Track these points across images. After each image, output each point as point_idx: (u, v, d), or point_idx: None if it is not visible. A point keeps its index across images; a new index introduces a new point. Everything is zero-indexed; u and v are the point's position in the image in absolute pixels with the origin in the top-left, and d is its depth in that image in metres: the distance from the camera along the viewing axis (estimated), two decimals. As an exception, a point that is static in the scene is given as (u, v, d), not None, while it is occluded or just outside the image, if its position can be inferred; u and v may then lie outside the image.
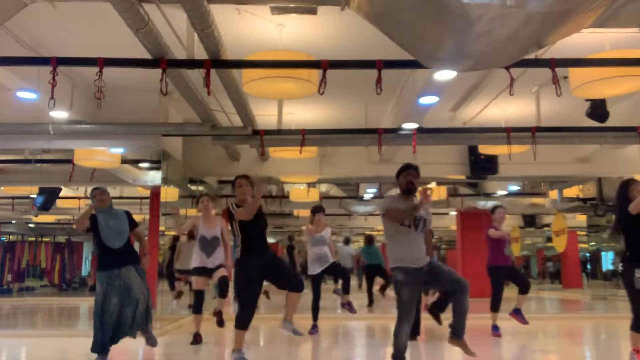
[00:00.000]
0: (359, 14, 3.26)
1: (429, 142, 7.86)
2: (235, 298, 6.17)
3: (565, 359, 6.05)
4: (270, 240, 13.42)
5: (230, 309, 8.56)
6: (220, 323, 6.58)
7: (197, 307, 6.28)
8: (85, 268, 22.34)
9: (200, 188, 11.31)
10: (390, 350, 4.06)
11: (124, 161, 9.20)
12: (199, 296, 6.26)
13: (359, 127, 8.02)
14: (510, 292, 6.95)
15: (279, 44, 5.63)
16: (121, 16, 4.15)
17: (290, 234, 16.83)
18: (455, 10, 2.33)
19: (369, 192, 14.03)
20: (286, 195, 13.56)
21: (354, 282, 12.44)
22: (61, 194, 12.19)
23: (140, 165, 9.84)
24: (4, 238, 19.68)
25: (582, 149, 9.51)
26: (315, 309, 7.12)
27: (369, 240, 12.02)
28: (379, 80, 4.64)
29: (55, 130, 6.80)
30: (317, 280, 7.09)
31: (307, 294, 12.41)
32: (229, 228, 4.94)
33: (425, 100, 6.75)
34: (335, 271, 7.30)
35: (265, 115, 8.03)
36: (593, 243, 20.72)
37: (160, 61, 4.84)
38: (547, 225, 18.12)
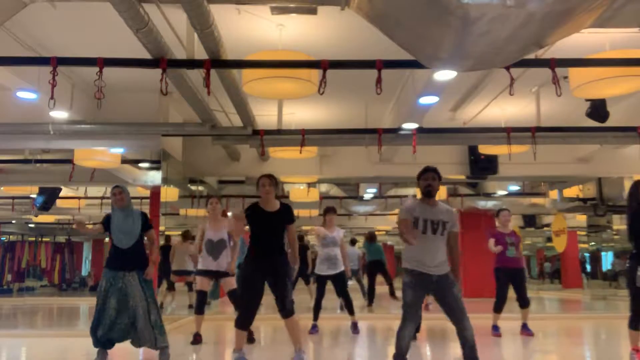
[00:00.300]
0: (359, 14, 3.26)
1: (429, 142, 7.86)
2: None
3: (565, 359, 6.04)
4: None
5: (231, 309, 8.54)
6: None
7: (198, 308, 6.25)
8: (85, 268, 22.36)
9: (200, 188, 11.31)
10: (391, 350, 4.06)
11: (124, 161, 9.20)
12: (201, 296, 6.22)
13: (359, 127, 8.02)
14: (512, 292, 6.95)
15: (279, 44, 5.63)
16: (121, 16, 4.15)
17: (301, 233, 16.77)
18: (456, 10, 2.32)
19: (369, 192, 14.03)
20: (286, 195, 13.56)
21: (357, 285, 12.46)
22: (61, 194, 12.20)
23: (140, 165, 9.84)
24: (4, 238, 19.68)
25: (582, 149, 9.51)
26: (317, 308, 7.12)
27: (371, 237, 12.06)
28: (379, 80, 4.64)
29: (55, 130, 6.80)
30: (322, 281, 7.10)
31: (305, 293, 12.38)
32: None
33: (425, 100, 6.74)
34: (339, 285, 7.19)
35: (265, 115, 8.03)
36: (593, 243, 20.72)
37: (160, 61, 4.84)
38: (547, 225, 18.12)
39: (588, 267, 22.49)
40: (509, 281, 6.74)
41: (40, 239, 20.02)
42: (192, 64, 5.18)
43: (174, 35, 5.26)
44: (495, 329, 6.76)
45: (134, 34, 4.43)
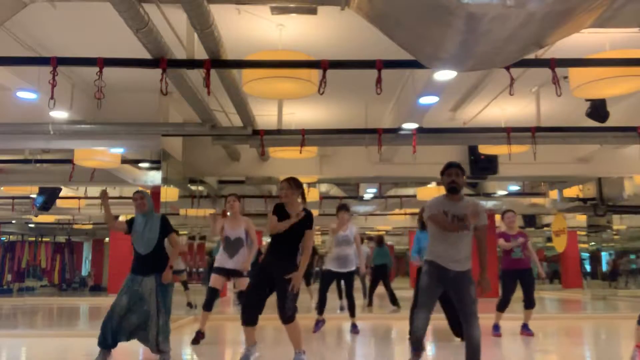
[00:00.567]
0: (359, 14, 3.26)
1: (429, 142, 7.86)
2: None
3: (565, 359, 6.04)
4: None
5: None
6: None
7: (207, 304, 6.22)
8: (85, 268, 22.36)
9: (200, 188, 11.31)
10: (391, 350, 4.07)
11: (124, 161, 9.21)
12: (211, 294, 6.20)
13: (359, 127, 8.02)
14: (518, 292, 6.97)
15: (279, 44, 5.63)
16: (121, 16, 4.15)
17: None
18: (455, 10, 2.32)
19: (369, 192, 14.03)
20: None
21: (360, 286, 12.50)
22: (61, 194, 12.20)
23: (140, 165, 9.85)
24: (4, 238, 19.68)
25: (582, 149, 9.51)
26: (322, 303, 7.19)
27: (380, 241, 12.09)
28: (379, 80, 4.64)
29: (55, 130, 6.80)
30: (330, 276, 7.18)
31: (304, 292, 12.36)
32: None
33: (425, 100, 6.74)
34: (347, 285, 7.26)
35: (265, 115, 8.03)
36: (593, 243, 20.72)
37: (160, 61, 4.84)
38: (547, 225, 18.13)
39: (588, 267, 22.48)
40: (516, 283, 6.77)
41: (40, 239, 20.03)
42: (192, 64, 5.18)
43: (174, 35, 5.26)
44: (496, 328, 6.77)
45: (134, 34, 4.43)
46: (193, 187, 11.38)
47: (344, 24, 5.45)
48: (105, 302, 15.03)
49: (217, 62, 5.02)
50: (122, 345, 5.06)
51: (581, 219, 16.62)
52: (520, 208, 15.55)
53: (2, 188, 11.87)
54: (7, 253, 19.18)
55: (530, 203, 14.98)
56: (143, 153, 9.48)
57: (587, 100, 6.76)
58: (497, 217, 11.92)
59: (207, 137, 7.95)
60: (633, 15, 4.09)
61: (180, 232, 10.44)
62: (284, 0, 4.77)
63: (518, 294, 6.91)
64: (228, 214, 6.40)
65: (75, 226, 18.47)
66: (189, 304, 10.66)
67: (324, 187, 13.84)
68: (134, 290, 4.93)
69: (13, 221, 17.54)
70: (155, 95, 7.25)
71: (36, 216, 14.49)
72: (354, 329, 7.19)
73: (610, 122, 7.07)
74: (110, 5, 4.02)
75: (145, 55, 4.87)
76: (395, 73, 6.22)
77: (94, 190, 12.75)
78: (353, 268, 7.13)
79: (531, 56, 4.10)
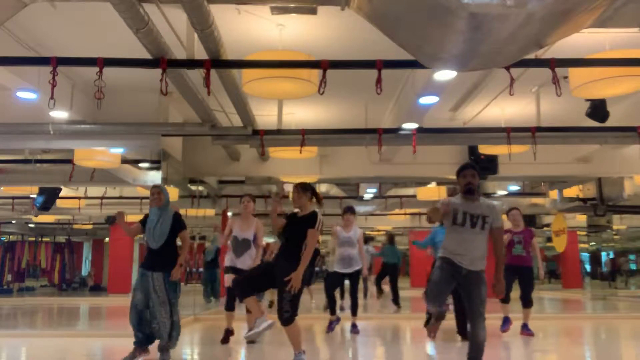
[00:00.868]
0: (359, 14, 3.26)
1: (429, 142, 7.86)
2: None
3: (565, 359, 6.05)
4: (270, 240, 13.39)
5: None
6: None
7: (228, 304, 6.28)
8: (85, 268, 22.35)
9: (200, 188, 11.31)
10: (391, 350, 4.07)
11: (124, 161, 9.20)
12: (230, 294, 6.23)
13: (359, 127, 8.02)
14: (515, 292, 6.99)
15: (279, 44, 5.63)
16: (121, 16, 4.15)
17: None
18: (455, 10, 2.32)
19: (369, 192, 14.02)
20: (286, 195, 13.55)
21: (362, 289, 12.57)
22: (61, 194, 12.20)
23: (140, 165, 9.85)
24: (4, 238, 19.69)
25: (582, 149, 9.51)
26: (332, 302, 7.30)
27: (391, 239, 12.09)
28: (379, 80, 4.63)
29: (55, 130, 6.80)
30: (335, 277, 7.26)
31: (304, 293, 12.41)
32: None
33: (425, 100, 6.74)
34: (352, 284, 7.38)
35: (265, 115, 8.03)
36: (593, 243, 20.73)
37: (160, 61, 4.84)
38: (547, 225, 18.13)
39: (588, 267, 22.50)
40: (514, 278, 6.80)
41: (40, 239, 20.02)
42: (192, 64, 5.18)
43: (174, 35, 5.26)
44: (506, 322, 6.85)
45: (134, 34, 4.43)
46: (193, 187, 11.37)
47: (344, 24, 5.45)
48: (106, 302, 15.06)
49: (217, 62, 5.02)
50: (122, 345, 5.07)
51: (581, 219, 16.62)
52: (520, 208, 15.50)
53: (2, 188, 11.86)
54: (7, 253, 19.18)
55: (530, 203, 14.98)
56: (143, 153, 9.48)
57: (587, 100, 6.75)
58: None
59: (207, 137, 7.95)
60: (633, 15, 4.09)
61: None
62: (284, 0, 4.77)
63: (517, 294, 6.92)
64: (229, 214, 6.43)
65: (75, 226, 18.48)
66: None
67: (324, 187, 13.84)
68: (145, 285, 5.04)
69: (13, 221, 17.53)
70: (155, 95, 7.24)
71: (36, 216, 14.48)
72: (354, 328, 7.22)
73: (610, 122, 7.07)
74: (110, 5, 4.02)
75: (145, 55, 4.86)
76: (395, 73, 6.22)
77: (94, 190, 12.76)
78: (358, 267, 7.21)
79: (531, 56, 4.10)
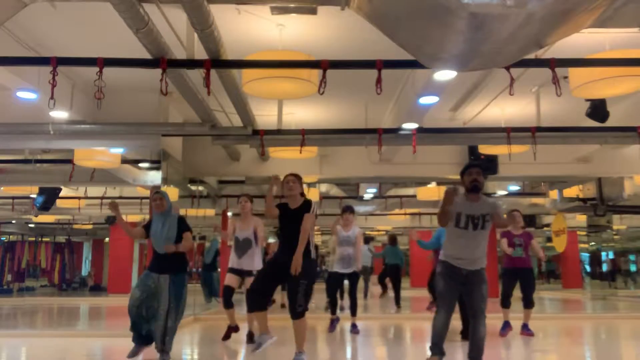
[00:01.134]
0: (359, 14, 3.26)
1: (429, 142, 7.87)
2: None
3: (565, 359, 6.04)
4: (271, 240, 13.40)
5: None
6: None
7: (225, 302, 6.28)
8: (85, 268, 22.36)
9: (200, 188, 11.31)
10: (391, 349, 4.08)
11: (124, 161, 9.20)
12: (226, 292, 6.25)
13: (359, 127, 8.02)
14: (516, 292, 7.00)
15: (279, 44, 5.63)
16: (121, 16, 4.15)
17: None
18: (455, 10, 2.32)
19: (369, 192, 14.02)
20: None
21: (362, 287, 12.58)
22: (61, 194, 12.20)
23: (140, 165, 9.85)
24: (4, 238, 19.69)
25: (582, 149, 9.51)
26: (333, 302, 7.36)
27: (392, 240, 12.07)
28: (379, 80, 4.64)
29: (55, 130, 6.80)
30: (335, 278, 7.31)
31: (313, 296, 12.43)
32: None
33: (425, 100, 6.74)
34: (351, 284, 7.44)
35: (265, 115, 8.03)
36: (593, 243, 20.73)
37: (160, 61, 4.84)
38: (547, 225, 18.14)
39: (588, 267, 22.50)
40: (515, 280, 6.91)
41: (40, 239, 20.03)
42: (192, 64, 5.18)
43: (174, 35, 5.26)
44: (505, 326, 6.89)
45: (134, 34, 4.43)
46: (193, 187, 11.37)
47: (344, 24, 5.45)
48: (106, 302, 15.06)
49: (217, 62, 5.02)
50: (122, 345, 5.07)
51: (581, 219, 16.62)
52: (520, 208, 15.46)
53: (2, 188, 11.86)
54: (7, 253, 19.18)
55: (530, 203, 14.98)
56: (143, 153, 9.48)
57: (587, 100, 6.75)
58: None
59: (207, 137, 7.95)
60: (633, 15, 4.09)
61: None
62: (284, 0, 4.77)
63: (518, 294, 6.94)
64: (229, 214, 6.45)
65: (75, 226, 18.48)
66: None
67: (324, 187, 13.84)
68: (147, 285, 5.06)
69: (13, 221, 17.53)
70: (155, 95, 7.24)
71: (36, 216, 14.49)
72: (354, 328, 7.23)
73: (610, 122, 7.07)
74: (110, 5, 4.02)
75: (145, 55, 4.86)
76: (395, 73, 6.22)
77: (94, 190, 12.75)
78: (356, 267, 7.22)
79: (531, 56, 4.10)
